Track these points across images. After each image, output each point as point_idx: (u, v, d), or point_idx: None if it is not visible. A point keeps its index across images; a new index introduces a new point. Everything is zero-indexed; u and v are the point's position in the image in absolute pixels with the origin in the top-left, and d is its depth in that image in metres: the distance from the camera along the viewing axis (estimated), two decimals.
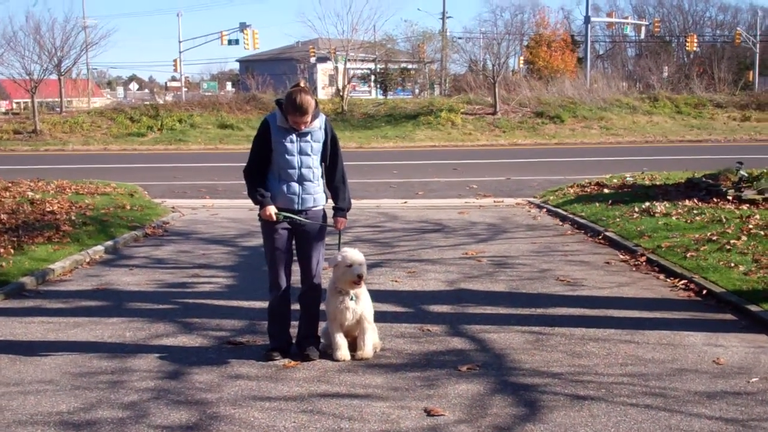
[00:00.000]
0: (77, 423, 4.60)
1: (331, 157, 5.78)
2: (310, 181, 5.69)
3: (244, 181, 5.75)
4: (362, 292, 5.72)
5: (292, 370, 5.50)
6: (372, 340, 5.76)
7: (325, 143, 5.72)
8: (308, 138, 5.64)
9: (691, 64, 51.25)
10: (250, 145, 5.84)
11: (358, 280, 5.56)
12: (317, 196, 5.75)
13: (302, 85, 5.62)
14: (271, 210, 5.60)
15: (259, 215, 5.71)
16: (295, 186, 5.65)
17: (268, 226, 5.72)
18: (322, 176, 5.81)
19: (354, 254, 5.62)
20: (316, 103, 5.61)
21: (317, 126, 5.66)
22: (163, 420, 4.65)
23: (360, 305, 5.67)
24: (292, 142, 5.60)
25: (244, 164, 5.75)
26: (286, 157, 5.60)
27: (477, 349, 5.95)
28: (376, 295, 7.49)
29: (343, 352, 5.67)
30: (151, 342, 6.20)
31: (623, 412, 4.70)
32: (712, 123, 36.33)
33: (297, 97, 5.45)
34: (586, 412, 4.71)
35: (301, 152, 5.63)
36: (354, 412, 4.73)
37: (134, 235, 11.00)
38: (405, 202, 14.72)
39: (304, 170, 5.65)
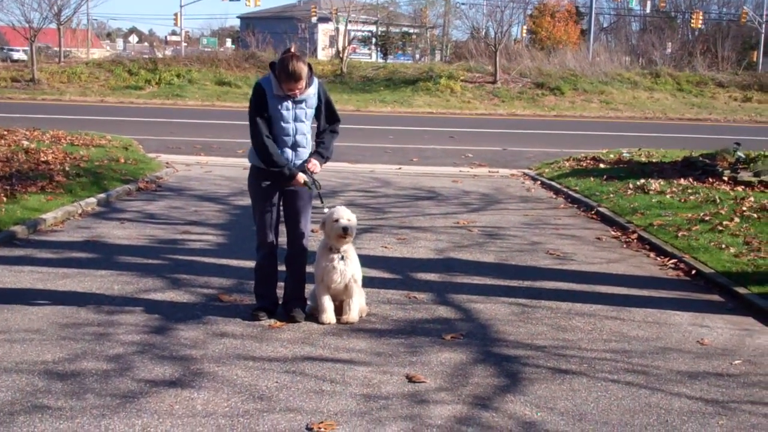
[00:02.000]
0: (62, 373, 4.62)
1: (326, 117, 5.77)
2: (303, 147, 5.68)
3: (254, 141, 5.62)
4: (351, 254, 5.72)
5: (277, 331, 5.53)
6: (359, 304, 5.78)
7: (318, 107, 5.70)
8: (303, 105, 5.59)
9: (695, 41, 50.88)
10: (247, 104, 5.78)
11: (343, 233, 5.54)
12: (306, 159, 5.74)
13: (293, 50, 5.52)
14: (301, 178, 5.61)
15: (282, 175, 5.59)
16: (289, 152, 5.62)
17: (257, 186, 5.71)
18: (312, 138, 5.79)
19: (342, 210, 5.62)
20: (310, 67, 5.53)
21: (312, 92, 5.61)
22: (147, 374, 4.67)
23: (349, 267, 5.67)
24: (287, 109, 5.55)
25: (241, 122, 5.73)
26: (282, 124, 5.56)
27: (462, 319, 5.98)
28: (366, 260, 7.51)
29: (329, 315, 5.70)
30: (138, 296, 6.22)
31: (604, 387, 4.74)
32: (713, 102, 36.25)
33: (290, 64, 5.37)
34: (566, 385, 4.74)
35: (296, 119, 5.59)
36: (336, 375, 4.76)
37: (127, 189, 10.97)
38: (399, 168, 14.69)
39: (298, 137, 5.63)
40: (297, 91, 5.48)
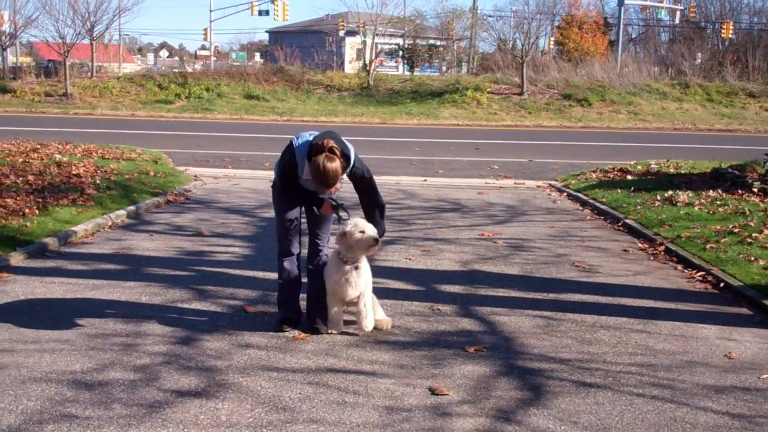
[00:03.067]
0: (89, 383, 4.70)
1: (363, 192, 5.64)
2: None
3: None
4: (363, 264, 5.69)
5: (301, 342, 5.57)
6: (372, 312, 5.76)
7: (353, 182, 5.58)
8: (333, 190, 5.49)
9: (725, 52, 50.39)
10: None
11: (374, 243, 5.49)
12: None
13: (327, 145, 5.18)
14: (329, 202, 5.61)
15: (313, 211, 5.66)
16: None
17: (281, 197, 5.75)
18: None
19: (363, 222, 5.57)
20: (348, 158, 5.29)
21: (345, 178, 5.48)
22: (173, 384, 4.73)
23: (362, 278, 5.63)
24: (318, 194, 5.53)
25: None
26: (306, 194, 5.60)
27: (486, 331, 5.98)
28: (390, 272, 7.58)
29: (336, 325, 5.73)
30: (166, 307, 6.30)
31: (629, 401, 4.71)
32: (744, 112, 35.85)
33: (323, 169, 5.13)
34: (591, 399, 4.72)
35: (324, 194, 5.56)
36: (359, 387, 4.79)
37: (156, 202, 11.11)
38: (425, 180, 14.71)
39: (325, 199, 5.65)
40: (333, 191, 5.37)
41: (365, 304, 5.70)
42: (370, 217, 5.64)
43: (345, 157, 5.30)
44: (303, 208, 5.81)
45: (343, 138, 5.48)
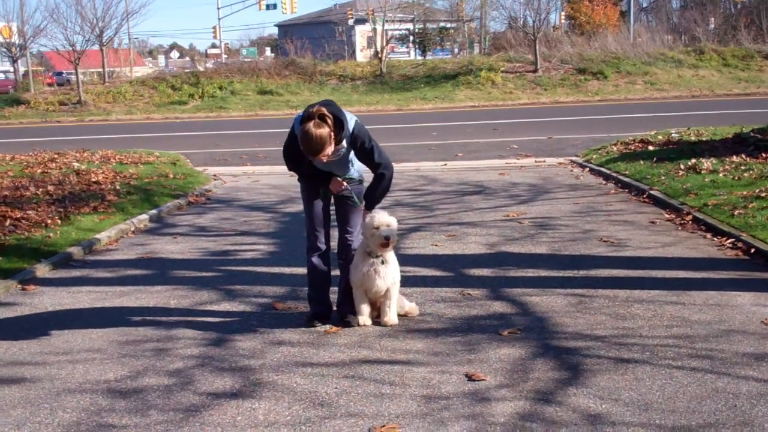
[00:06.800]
0: (125, 391, 4.69)
1: (363, 159, 5.53)
2: (343, 174, 5.62)
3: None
4: (391, 257, 5.64)
5: (333, 336, 5.53)
6: (396, 306, 5.72)
7: (353, 151, 5.47)
8: (333, 157, 5.39)
9: (738, 15, 49.69)
10: (290, 111, 5.80)
11: (386, 242, 5.47)
12: (356, 179, 5.69)
13: (315, 110, 5.12)
14: (337, 181, 5.55)
15: (320, 192, 5.64)
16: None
17: (308, 190, 5.70)
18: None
19: (382, 216, 5.48)
20: (341, 123, 5.21)
21: (343, 147, 5.37)
22: (208, 387, 4.71)
23: (390, 271, 5.58)
24: (317, 163, 5.45)
25: (285, 130, 5.68)
26: (315, 172, 5.55)
27: (518, 313, 5.92)
28: (416, 259, 7.53)
29: (365, 318, 5.68)
30: (195, 309, 6.28)
31: (668, 374, 4.63)
32: (761, 75, 35.34)
33: (309, 135, 5.06)
34: (630, 375, 4.65)
35: (327, 166, 5.49)
36: (395, 378, 4.74)
37: (177, 204, 11.12)
38: (445, 164, 14.62)
39: (333, 174, 5.59)
40: (323, 158, 5.25)
41: (390, 299, 5.66)
42: (370, 189, 5.60)
43: (339, 124, 5.21)
44: (332, 202, 5.75)
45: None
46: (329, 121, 5.13)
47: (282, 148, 5.61)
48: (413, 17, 51.75)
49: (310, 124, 5.08)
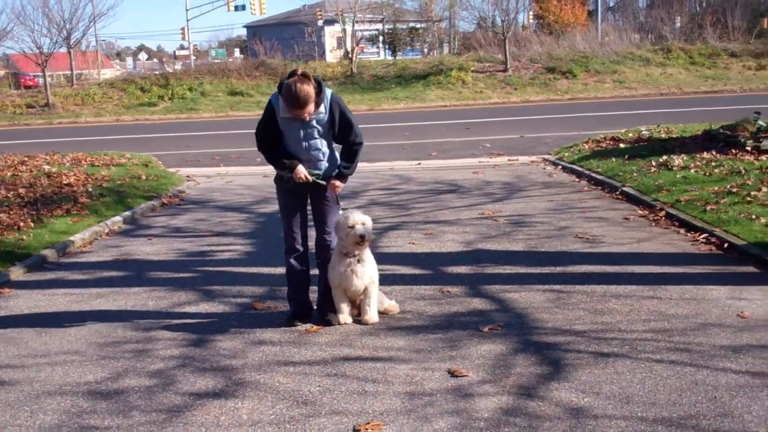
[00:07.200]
0: (105, 392, 4.64)
1: (342, 132, 5.58)
2: (320, 160, 5.61)
3: (257, 149, 5.68)
4: (367, 256, 5.65)
5: (314, 335, 5.52)
6: (376, 304, 5.73)
7: (332, 123, 5.53)
8: (314, 123, 5.47)
9: (704, 13, 50.31)
10: (261, 112, 5.76)
11: (361, 240, 5.48)
12: (327, 169, 5.66)
13: (299, 71, 5.34)
14: (303, 171, 5.53)
15: (283, 180, 5.62)
16: (305, 164, 5.57)
17: (284, 191, 5.69)
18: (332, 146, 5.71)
19: (356, 215, 5.52)
20: (320, 85, 5.37)
21: (322, 111, 5.46)
22: (190, 387, 4.68)
23: (367, 270, 5.60)
24: (297, 129, 5.48)
25: (255, 131, 5.68)
26: (293, 143, 5.53)
27: (498, 309, 5.95)
28: (394, 258, 7.54)
29: (345, 316, 5.69)
30: (173, 310, 6.24)
31: (648, 368, 4.69)
32: (727, 73, 35.86)
33: (293, 88, 5.21)
34: (611, 369, 4.70)
35: (307, 137, 5.51)
36: (378, 375, 4.75)
37: (151, 205, 11.03)
38: (419, 164, 14.66)
39: (312, 152, 5.56)
40: (306, 115, 5.36)
41: (369, 297, 5.67)
42: (346, 159, 5.66)
43: (319, 86, 5.35)
44: (309, 202, 5.74)
45: None
46: (310, 78, 5.32)
47: (255, 131, 5.64)
48: (383, 18, 51.74)
49: (294, 80, 5.25)
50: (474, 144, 17.48)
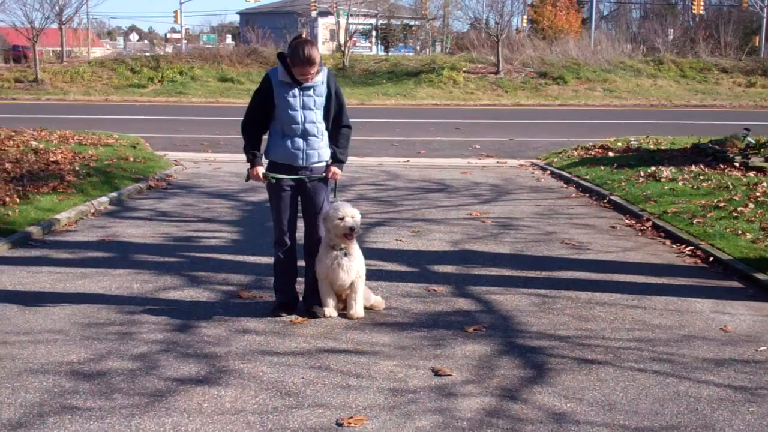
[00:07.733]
0: (88, 373, 4.62)
1: (335, 111, 5.65)
2: (314, 136, 5.59)
3: (241, 129, 5.68)
4: (355, 249, 5.66)
5: (299, 326, 5.52)
6: (362, 299, 5.73)
7: (328, 97, 5.59)
8: (311, 92, 5.51)
9: (696, 28, 50.68)
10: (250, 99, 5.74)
11: (350, 233, 5.48)
12: (321, 152, 5.64)
13: (305, 36, 5.50)
14: (260, 170, 5.58)
15: (247, 173, 5.68)
16: (299, 141, 5.56)
17: (273, 185, 5.67)
18: (326, 130, 5.71)
19: (345, 207, 5.53)
20: (318, 54, 5.49)
21: (320, 80, 5.52)
22: (173, 372, 4.66)
23: (354, 264, 5.60)
24: (294, 96, 5.49)
25: (246, 109, 5.68)
26: (289, 112, 5.51)
27: (483, 311, 5.97)
28: (381, 254, 7.54)
29: (330, 309, 5.69)
30: (158, 294, 6.21)
31: (631, 377, 4.72)
32: (717, 88, 36.10)
33: (303, 48, 5.31)
34: (594, 376, 4.73)
35: (304, 107, 5.52)
36: (362, 370, 4.75)
37: (138, 187, 10.96)
38: (407, 161, 14.66)
39: (307, 125, 5.55)
40: (310, 76, 5.42)
41: (356, 292, 5.67)
42: (339, 141, 5.72)
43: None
44: (298, 195, 5.72)
45: None
46: (317, 46, 5.49)
47: (246, 109, 5.65)
48: (377, 12, 51.70)
49: (302, 41, 5.38)
50: (463, 144, 17.50)
